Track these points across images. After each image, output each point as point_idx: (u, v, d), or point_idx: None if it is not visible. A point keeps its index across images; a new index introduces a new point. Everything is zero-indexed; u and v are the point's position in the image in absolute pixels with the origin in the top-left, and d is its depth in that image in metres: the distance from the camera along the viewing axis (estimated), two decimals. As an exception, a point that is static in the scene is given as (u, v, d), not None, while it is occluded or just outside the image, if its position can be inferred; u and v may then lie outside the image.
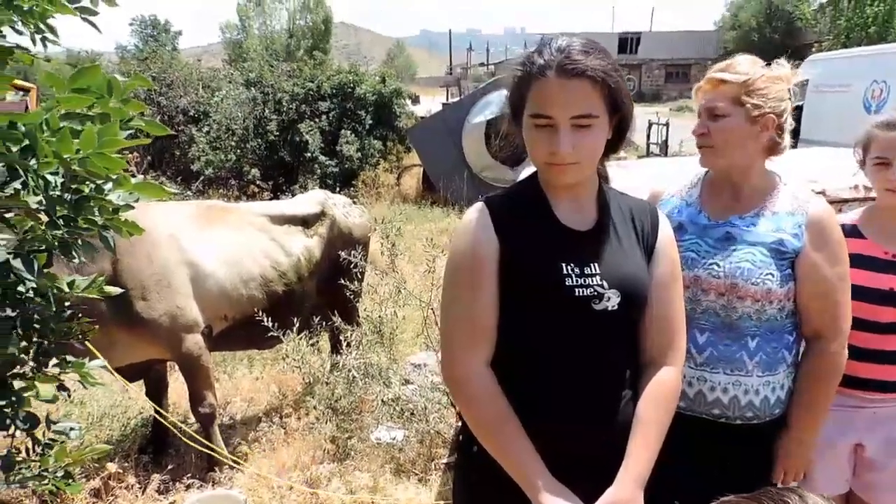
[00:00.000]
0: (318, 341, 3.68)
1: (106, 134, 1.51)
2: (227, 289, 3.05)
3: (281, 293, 3.23)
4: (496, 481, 1.32)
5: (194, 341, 2.91)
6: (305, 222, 3.50)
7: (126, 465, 3.06)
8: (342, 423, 3.24)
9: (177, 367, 3.33)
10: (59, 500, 2.73)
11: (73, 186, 1.61)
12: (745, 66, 1.70)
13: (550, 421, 1.31)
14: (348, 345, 3.28)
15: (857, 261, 1.84)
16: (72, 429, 2.07)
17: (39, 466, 1.94)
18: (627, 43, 42.07)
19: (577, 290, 1.30)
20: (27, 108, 12.36)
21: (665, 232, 1.45)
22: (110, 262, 2.73)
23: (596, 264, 1.33)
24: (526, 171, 1.63)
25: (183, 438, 3.02)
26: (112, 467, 2.91)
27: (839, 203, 2.32)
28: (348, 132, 10.60)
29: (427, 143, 10.27)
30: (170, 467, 3.09)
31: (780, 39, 33.81)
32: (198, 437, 2.99)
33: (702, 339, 1.69)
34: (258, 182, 10.82)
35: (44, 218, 1.52)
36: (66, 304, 1.77)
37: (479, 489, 1.43)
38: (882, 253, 1.83)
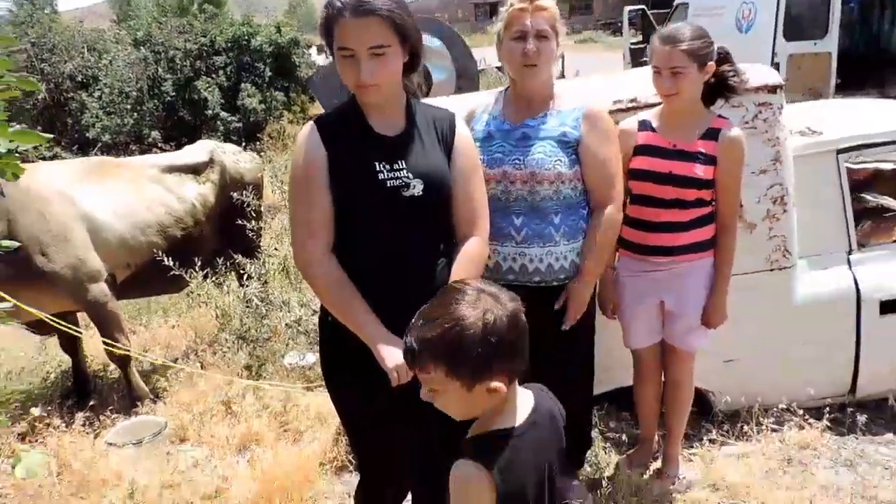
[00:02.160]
0: (224, 281, 3.93)
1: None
2: (125, 238, 3.27)
3: (179, 237, 3.45)
4: (346, 343, 1.69)
5: (99, 289, 3.13)
6: (196, 170, 3.70)
7: (50, 409, 3.27)
8: (253, 351, 3.53)
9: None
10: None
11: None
12: None
13: (387, 286, 1.67)
14: (248, 277, 3.55)
15: (647, 150, 2.26)
16: None
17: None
18: (530, -23, 41.96)
19: (388, 181, 1.67)
20: None
21: (461, 133, 1.82)
22: (5, 222, 2.86)
23: (402, 161, 1.69)
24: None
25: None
26: (36, 412, 3.12)
27: (650, 106, 2.71)
28: (248, 85, 10.48)
29: (327, 91, 10.25)
30: (92, 403, 3.31)
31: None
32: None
33: (518, 222, 2.10)
34: (160, 144, 10.60)
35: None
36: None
37: (335, 352, 1.81)
38: (666, 143, 2.25)
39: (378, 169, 1.66)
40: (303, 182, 1.68)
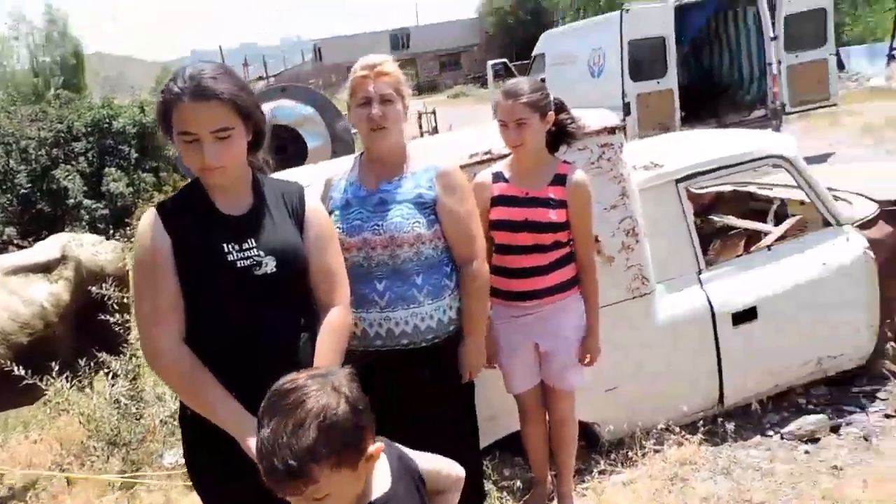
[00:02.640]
0: (89, 383, 3.63)
1: None
2: None
3: (26, 343, 3.18)
4: (211, 436, 1.60)
5: None
6: (46, 268, 3.46)
7: None
8: (127, 455, 3.27)
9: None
10: None
11: None
12: (391, 63, 2.12)
13: (242, 369, 1.61)
14: (115, 375, 3.31)
15: (502, 200, 2.35)
16: None
17: None
18: (398, 40, 43.56)
19: (238, 262, 1.63)
20: None
21: (311, 205, 1.82)
22: None
23: (252, 239, 1.66)
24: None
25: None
26: None
27: (504, 157, 2.84)
28: (113, 170, 10.00)
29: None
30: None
31: (531, 20, 37.16)
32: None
33: (381, 287, 2.09)
34: (16, 241, 9.83)
35: None
36: None
37: (198, 447, 1.71)
38: (519, 192, 2.35)
39: (226, 250, 1.63)
40: (147, 270, 1.62)
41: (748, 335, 3.08)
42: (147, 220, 1.67)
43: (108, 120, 10.33)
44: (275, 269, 1.66)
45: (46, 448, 3.89)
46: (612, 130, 2.82)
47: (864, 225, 3.35)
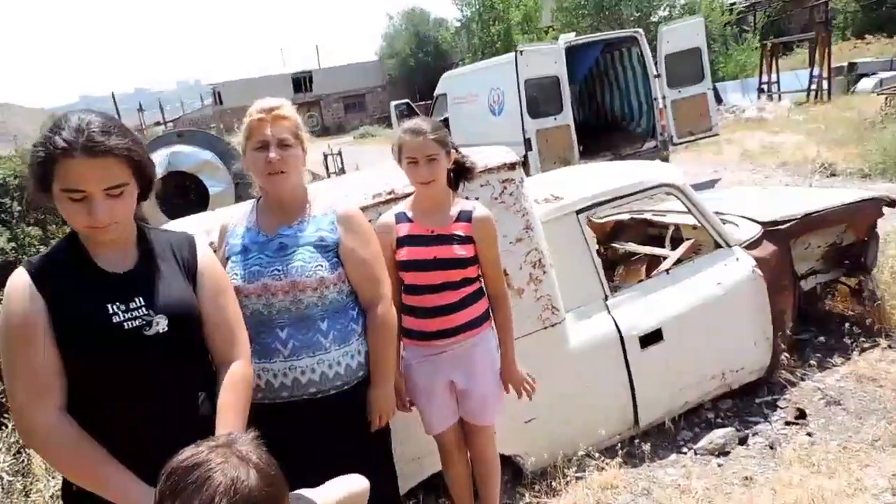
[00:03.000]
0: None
1: None
2: None
3: None
4: None
5: None
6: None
7: None
8: (14, 537, 2.94)
9: None
10: None
11: None
12: (289, 107, 2.08)
13: (136, 436, 1.48)
14: (-5, 452, 2.99)
15: (410, 240, 2.34)
16: None
17: None
18: (301, 82, 43.42)
19: (125, 323, 1.51)
20: None
21: (204, 253, 1.73)
22: None
23: (140, 297, 1.54)
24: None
25: None
26: None
27: (406, 196, 2.85)
28: (-8, 225, 9.25)
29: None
30: None
31: (431, 61, 38.11)
32: None
33: (283, 335, 2.01)
34: None
35: None
36: None
37: None
38: (425, 230, 2.34)
39: (111, 311, 1.51)
40: (19, 339, 1.46)
41: (656, 356, 3.20)
42: (17, 281, 1.50)
43: (-15, 172, 9.58)
44: (167, 328, 1.55)
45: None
46: (511, 166, 2.90)
47: (750, 245, 3.59)
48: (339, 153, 14.37)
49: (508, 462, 2.96)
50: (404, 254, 2.31)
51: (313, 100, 43.33)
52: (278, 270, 2.00)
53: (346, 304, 2.08)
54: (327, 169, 14.18)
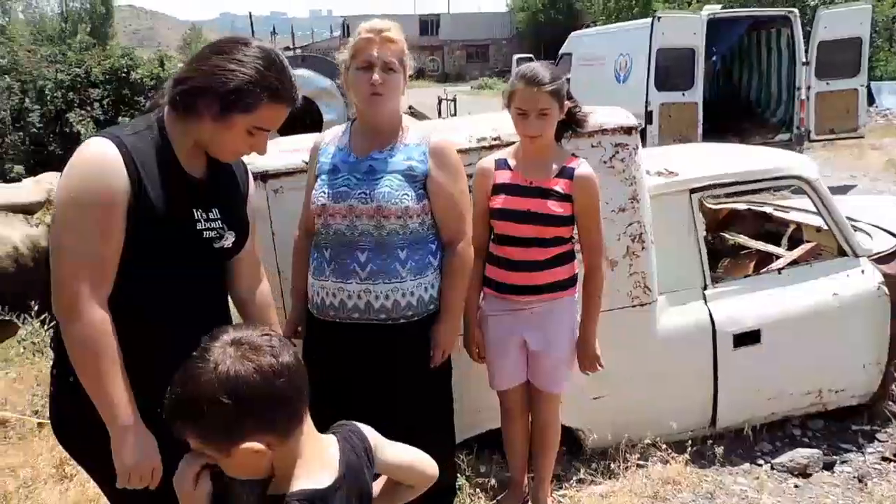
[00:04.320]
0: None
1: None
2: None
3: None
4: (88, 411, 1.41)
5: None
6: (27, 210, 3.35)
7: None
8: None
9: None
10: None
11: None
12: (398, 31, 2.02)
13: (180, 343, 1.48)
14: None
15: (505, 188, 2.24)
16: None
17: None
18: (428, 25, 43.30)
19: (205, 232, 1.52)
20: None
21: (252, 182, 1.76)
22: None
23: (216, 210, 1.55)
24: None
25: None
26: None
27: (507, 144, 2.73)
28: (126, 119, 9.92)
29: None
30: None
31: (562, 20, 36.85)
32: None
33: (363, 258, 2.01)
34: (25, 180, 9.78)
35: None
36: None
37: (75, 426, 1.52)
38: (524, 181, 2.24)
39: (196, 217, 1.51)
40: (98, 213, 1.38)
41: (749, 358, 2.97)
42: (104, 152, 1.40)
43: (126, 70, 10.24)
44: (231, 245, 1.59)
45: (24, 388, 3.82)
46: (627, 130, 2.71)
47: (882, 259, 3.22)
48: (454, 99, 14.26)
49: (569, 433, 2.87)
50: (499, 202, 2.22)
51: (437, 44, 43.19)
52: (365, 194, 1.99)
53: (426, 237, 2.06)
54: (439, 114, 14.14)
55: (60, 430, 1.60)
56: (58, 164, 9.95)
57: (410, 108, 13.75)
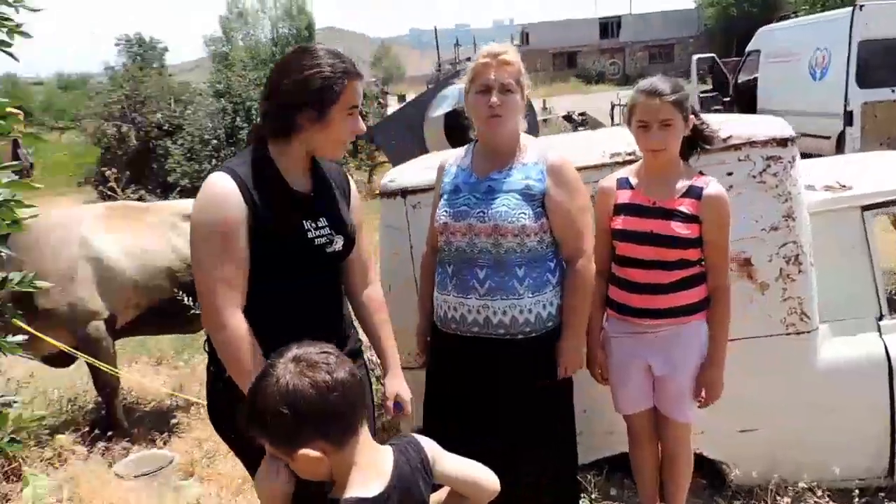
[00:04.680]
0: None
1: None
2: (134, 280, 3.46)
3: (190, 282, 3.58)
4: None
5: (95, 327, 3.34)
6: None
7: (77, 438, 3.42)
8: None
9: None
10: (18, 464, 3.09)
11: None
12: (514, 53, 2.08)
13: (303, 331, 1.65)
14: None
15: (627, 209, 2.18)
16: (14, 402, 2.46)
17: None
18: (609, 27, 42.24)
19: (316, 239, 1.70)
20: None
21: (354, 189, 1.91)
22: (19, 260, 3.06)
23: (323, 218, 1.73)
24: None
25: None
26: (62, 439, 3.28)
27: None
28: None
29: (391, 139, 10.60)
30: (109, 434, 3.47)
31: (758, 12, 33.90)
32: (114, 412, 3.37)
33: (482, 275, 2.08)
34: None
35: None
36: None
37: (226, 416, 1.72)
38: (646, 201, 2.16)
39: (306, 227, 1.69)
40: (226, 236, 1.60)
41: (935, 401, 2.57)
42: (223, 185, 1.62)
43: (315, 89, 11.28)
44: (341, 248, 1.75)
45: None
46: (782, 142, 2.48)
47: None
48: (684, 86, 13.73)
49: (711, 466, 2.70)
50: (619, 222, 2.17)
51: (618, 46, 41.99)
52: (482, 213, 2.06)
53: (545, 254, 2.09)
54: (612, 120, 13.76)
55: (214, 417, 1.87)
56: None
57: (583, 114, 13.54)
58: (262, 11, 41.98)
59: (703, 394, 2.21)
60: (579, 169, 2.53)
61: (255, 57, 31.79)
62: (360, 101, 1.72)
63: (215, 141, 10.96)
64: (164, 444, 3.43)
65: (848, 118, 7.77)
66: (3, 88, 40.12)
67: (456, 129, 10.37)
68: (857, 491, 2.62)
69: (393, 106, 16.87)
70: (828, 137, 8.62)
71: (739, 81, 11.43)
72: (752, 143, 2.48)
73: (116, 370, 3.48)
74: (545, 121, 13.90)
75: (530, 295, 2.06)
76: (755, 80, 11.17)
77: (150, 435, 3.55)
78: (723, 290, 2.15)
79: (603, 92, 26.92)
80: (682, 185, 2.12)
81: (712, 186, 2.10)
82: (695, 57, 12.42)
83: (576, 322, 2.12)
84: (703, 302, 2.17)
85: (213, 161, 10.89)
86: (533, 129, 10.14)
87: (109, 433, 3.47)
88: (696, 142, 2.18)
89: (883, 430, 2.62)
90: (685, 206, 2.09)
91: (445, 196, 2.18)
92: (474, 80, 2.08)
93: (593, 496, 2.58)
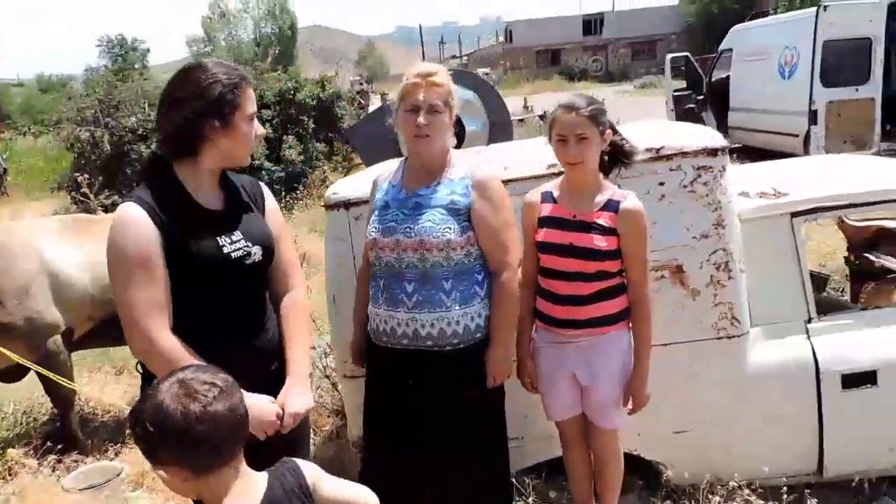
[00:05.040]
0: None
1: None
2: (89, 292, 3.45)
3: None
4: None
5: (53, 342, 3.35)
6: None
7: (29, 451, 3.44)
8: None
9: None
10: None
11: None
12: (444, 74, 2.13)
13: (228, 342, 1.74)
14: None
15: (550, 221, 2.24)
16: None
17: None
18: (591, 24, 42.39)
19: (232, 253, 1.74)
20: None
21: (268, 196, 1.97)
22: None
23: (237, 231, 1.78)
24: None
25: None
26: (12, 453, 3.30)
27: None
28: (291, 137, 10.92)
29: (364, 141, 10.61)
30: (59, 447, 3.48)
31: (739, 9, 34.11)
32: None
33: (409, 288, 2.13)
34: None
35: None
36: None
37: None
38: (568, 214, 2.22)
39: (221, 243, 1.73)
40: (139, 267, 1.64)
41: (862, 401, 2.65)
42: (131, 214, 1.67)
43: (292, 92, 11.27)
44: (260, 258, 1.80)
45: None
46: (712, 152, 2.55)
47: None
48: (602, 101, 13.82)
49: (648, 467, 2.76)
50: (542, 235, 2.23)
51: (601, 43, 42.16)
52: (409, 228, 2.11)
53: (472, 267, 2.14)
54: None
55: None
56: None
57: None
58: (245, 11, 41.68)
59: (628, 403, 2.27)
60: (517, 181, 2.61)
61: (237, 58, 31.63)
62: (255, 108, 1.79)
63: (191, 144, 10.88)
64: (117, 454, 3.45)
65: (812, 117, 7.89)
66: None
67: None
68: (785, 488, 2.70)
69: (375, 104, 16.85)
70: (796, 136, 8.75)
71: (713, 80, 11.54)
72: (683, 154, 2.54)
73: (73, 383, 3.49)
74: (521, 120, 13.96)
75: (458, 307, 2.11)
76: (728, 78, 11.28)
77: (105, 446, 3.57)
78: (642, 300, 2.21)
79: (585, 89, 27.08)
80: (600, 198, 2.18)
81: (629, 200, 2.16)
82: (668, 55, 12.52)
83: (502, 333, 2.17)
84: (624, 312, 2.23)
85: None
86: (506, 130, 10.21)
87: (59, 446, 3.48)
88: (617, 156, 2.24)
89: (811, 430, 2.70)
90: (603, 219, 2.15)
91: (376, 212, 2.23)
92: (404, 98, 2.12)
93: (531, 499, 2.64)
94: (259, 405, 1.69)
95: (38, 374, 3.35)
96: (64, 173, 12.42)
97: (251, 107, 1.76)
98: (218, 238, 1.74)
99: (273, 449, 1.62)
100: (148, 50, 45.10)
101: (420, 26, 56.74)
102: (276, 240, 1.90)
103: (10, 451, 3.33)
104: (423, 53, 52.01)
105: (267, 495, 1.29)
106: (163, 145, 1.79)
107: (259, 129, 1.82)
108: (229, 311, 1.78)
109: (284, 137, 10.84)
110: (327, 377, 3.74)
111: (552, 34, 41.92)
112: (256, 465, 1.37)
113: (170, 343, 1.66)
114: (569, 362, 2.28)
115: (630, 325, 2.25)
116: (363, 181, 2.87)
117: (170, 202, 1.72)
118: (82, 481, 3.03)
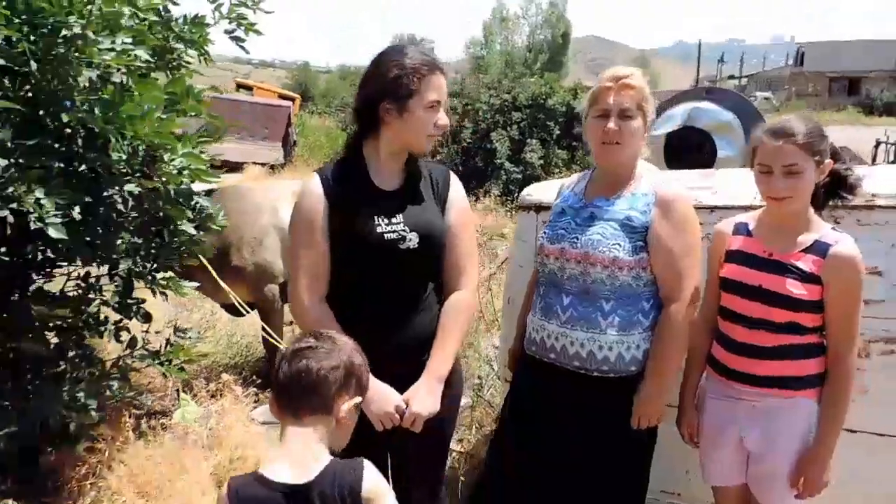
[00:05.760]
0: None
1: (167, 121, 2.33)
2: None
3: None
4: None
5: (270, 290, 3.82)
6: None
7: (239, 380, 3.98)
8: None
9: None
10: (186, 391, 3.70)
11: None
12: (639, 77, 1.98)
13: (370, 327, 1.77)
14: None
15: (737, 256, 1.95)
16: (189, 336, 2.98)
17: (160, 355, 2.83)
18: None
19: (386, 234, 1.79)
20: (290, 113, 14.96)
21: (455, 188, 1.92)
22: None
23: (400, 215, 1.81)
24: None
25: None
26: (226, 378, 3.84)
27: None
28: (535, 141, 11.10)
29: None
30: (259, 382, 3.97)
31: None
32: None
33: (566, 301, 2.01)
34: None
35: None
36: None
37: None
38: (762, 251, 1.91)
39: (377, 222, 1.78)
40: (304, 232, 1.80)
41: None
42: (309, 183, 1.82)
43: (544, 97, 11.44)
44: (416, 246, 1.79)
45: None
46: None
47: None
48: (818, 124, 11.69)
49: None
50: (726, 270, 1.94)
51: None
52: (576, 238, 2.00)
53: (639, 293, 1.96)
54: (874, 160, 11.82)
55: None
56: (479, 176, 11.76)
57: (843, 148, 11.82)
58: (523, 17, 43.14)
59: (801, 483, 1.89)
60: (721, 208, 2.32)
61: (508, 64, 32.98)
62: (442, 97, 1.79)
63: (439, 138, 11.65)
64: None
65: None
66: (297, 74, 47.07)
67: (678, 150, 9.82)
68: None
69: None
70: None
71: None
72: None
73: (279, 340, 3.95)
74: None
75: (614, 332, 1.94)
76: None
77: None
78: (843, 367, 1.82)
79: (887, 125, 23.10)
80: (806, 237, 1.84)
81: (843, 244, 1.79)
82: None
83: (658, 370, 1.94)
84: (816, 378, 1.86)
85: (436, 158, 11.65)
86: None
87: (259, 381, 3.96)
88: (836, 189, 1.87)
89: None
90: (805, 263, 1.81)
91: (551, 218, 2.16)
92: (593, 103, 2.01)
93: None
94: (381, 392, 1.74)
95: (262, 319, 3.85)
96: (338, 150, 14.18)
97: (433, 94, 1.76)
98: (376, 217, 1.79)
99: (404, 453, 1.74)
100: (432, 49, 49.15)
101: (700, 42, 53.54)
102: (453, 233, 1.89)
103: (224, 375, 3.87)
104: (698, 71, 49.00)
105: (318, 478, 1.31)
106: (353, 121, 1.91)
107: (442, 120, 1.82)
108: (375, 294, 1.82)
109: (528, 141, 11.05)
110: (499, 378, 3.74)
111: (853, 60, 36.60)
112: (378, 461, 1.45)
113: (318, 316, 1.78)
114: (739, 422, 1.96)
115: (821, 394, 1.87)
116: (558, 186, 2.80)
117: (347, 177, 1.84)
118: (267, 416, 3.43)
